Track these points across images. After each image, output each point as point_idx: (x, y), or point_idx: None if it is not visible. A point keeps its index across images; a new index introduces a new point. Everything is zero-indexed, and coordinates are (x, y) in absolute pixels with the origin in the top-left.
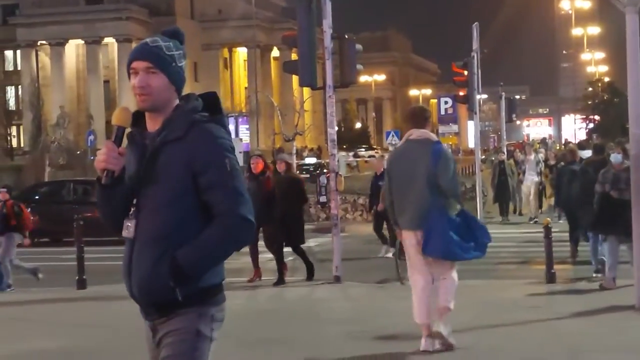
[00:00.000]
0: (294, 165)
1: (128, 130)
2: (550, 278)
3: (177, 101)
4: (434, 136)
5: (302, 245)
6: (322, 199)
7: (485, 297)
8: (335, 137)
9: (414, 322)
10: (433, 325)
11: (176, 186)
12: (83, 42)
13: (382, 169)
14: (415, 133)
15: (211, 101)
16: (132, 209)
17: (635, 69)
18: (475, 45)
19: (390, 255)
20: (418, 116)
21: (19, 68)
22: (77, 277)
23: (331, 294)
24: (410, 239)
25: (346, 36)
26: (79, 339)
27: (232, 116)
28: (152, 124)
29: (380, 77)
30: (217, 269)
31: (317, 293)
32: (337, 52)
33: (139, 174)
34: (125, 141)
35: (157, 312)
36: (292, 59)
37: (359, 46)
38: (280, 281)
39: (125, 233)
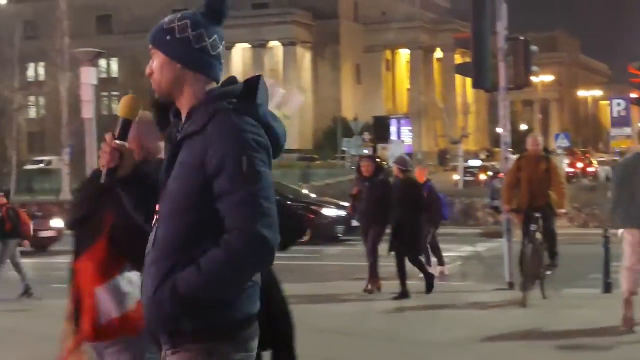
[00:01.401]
0: (462, 168)
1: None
2: None
3: (205, 86)
4: None
5: (472, 249)
6: (496, 203)
7: None
8: (509, 140)
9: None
10: None
11: (189, 192)
12: (249, 46)
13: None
14: None
15: (252, 86)
16: (155, 218)
17: None
18: None
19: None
20: None
21: None
22: None
23: (504, 300)
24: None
25: (521, 37)
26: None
27: (395, 118)
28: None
29: (547, 78)
30: (239, 300)
31: (490, 299)
32: (512, 53)
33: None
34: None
35: (164, 341)
36: (456, 61)
37: (534, 48)
38: (403, 295)
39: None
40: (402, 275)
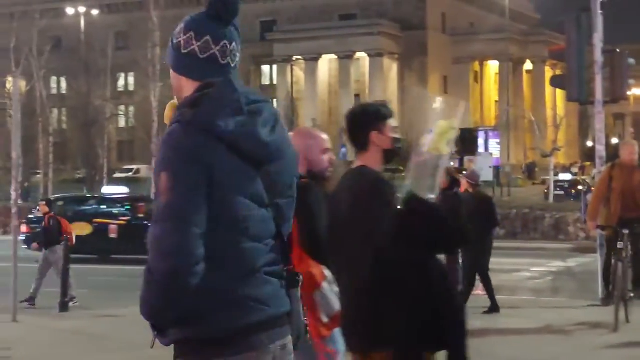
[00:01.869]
0: (552, 182)
1: None
2: None
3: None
4: None
5: (563, 264)
6: None
7: None
8: (604, 154)
9: None
10: None
11: None
12: (336, 57)
13: None
14: None
15: (199, 94)
16: None
17: None
18: None
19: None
20: None
21: (274, 82)
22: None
23: (599, 317)
24: None
25: (618, 50)
26: None
27: (482, 130)
28: None
29: None
30: (213, 314)
31: (584, 316)
32: (608, 66)
33: None
34: None
35: None
36: (546, 72)
37: (631, 60)
38: (493, 308)
39: None
40: (490, 288)
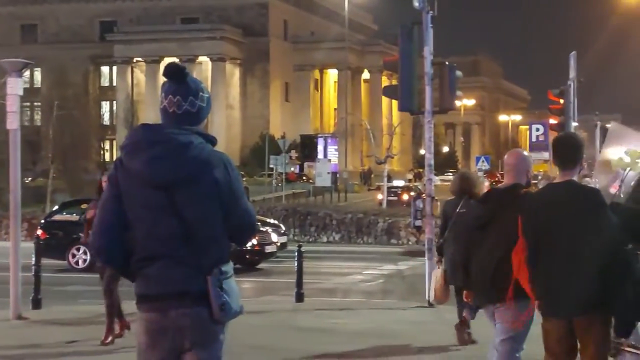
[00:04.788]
0: (385, 188)
1: None
2: None
3: None
4: None
5: (394, 267)
6: (418, 222)
7: None
8: (433, 162)
9: None
10: None
11: None
12: (178, 60)
13: None
14: None
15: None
16: None
17: None
18: (572, 73)
19: None
20: None
21: (114, 84)
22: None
23: (425, 317)
24: None
25: (447, 62)
26: None
27: (322, 137)
28: None
29: (470, 102)
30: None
31: (412, 316)
32: (437, 77)
33: None
34: None
35: None
36: (383, 83)
37: (459, 72)
38: None
39: None
40: None
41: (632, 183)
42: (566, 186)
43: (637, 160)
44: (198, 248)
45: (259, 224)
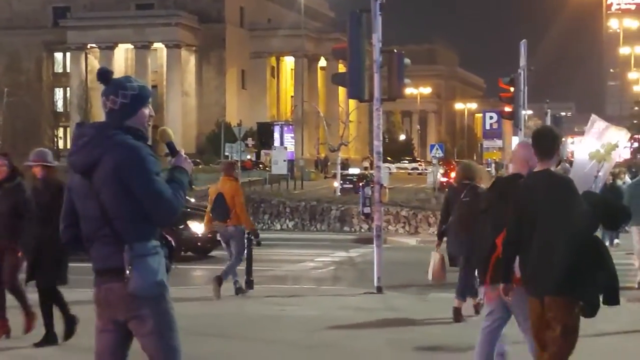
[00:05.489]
0: (339, 175)
1: None
2: None
3: None
4: None
5: (345, 254)
6: (366, 210)
7: None
8: (381, 150)
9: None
10: None
11: None
12: (132, 46)
13: None
14: None
15: None
16: None
17: None
18: (522, 62)
19: None
20: None
21: (68, 70)
22: None
23: (373, 303)
24: None
25: (395, 50)
26: None
27: (278, 124)
28: None
29: (426, 90)
30: None
31: (359, 303)
32: (386, 65)
33: None
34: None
35: None
36: (340, 70)
37: (407, 60)
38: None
39: None
40: None
41: (605, 179)
42: (543, 175)
43: (610, 153)
44: (115, 228)
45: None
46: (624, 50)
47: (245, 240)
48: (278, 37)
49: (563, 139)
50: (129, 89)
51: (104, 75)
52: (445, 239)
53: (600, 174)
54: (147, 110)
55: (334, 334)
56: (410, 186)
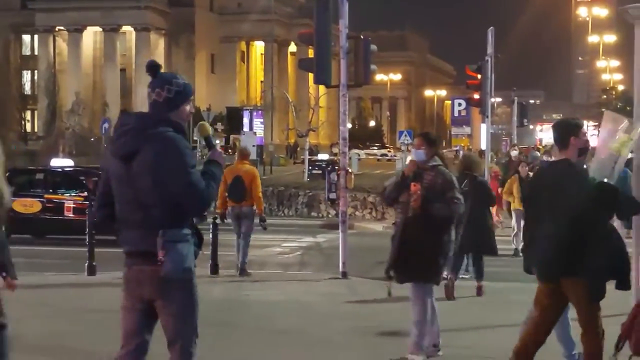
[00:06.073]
0: (307, 161)
1: None
2: None
3: None
4: None
5: (312, 239)
6: (332, 195)
7: None
8: (347, 135)
9: None
10: None
11: None
12: (101, 29)
13: None
14: None
15: None
16: None
17: None
18: (490, 49)
19: None
20: None
21: (36, 53)
22: (87, 263)
23: (337, 289)
24: None
25: (362, 36)
26: (85, 324)
27: (247, 109)
28: None
29: (396, 77)
30: None
31: (324, 288)
32: (352, 51)
33: None
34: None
35: None
36: (310, 55)
37: (373, 46)
38: None
39: None
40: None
41: (620, 171)
42: (558, 164)
43: (626, 146)
44: (150, 214)
45: None
46: (592, 39)
47: (211, 225)
48: (248, 21)
49: (531, 127)
50: (174, 85)
51: (153, 68)
52: None
53: (616, 166)
54: (188, 107)
55: (298, 319)
56: (379, 172)
